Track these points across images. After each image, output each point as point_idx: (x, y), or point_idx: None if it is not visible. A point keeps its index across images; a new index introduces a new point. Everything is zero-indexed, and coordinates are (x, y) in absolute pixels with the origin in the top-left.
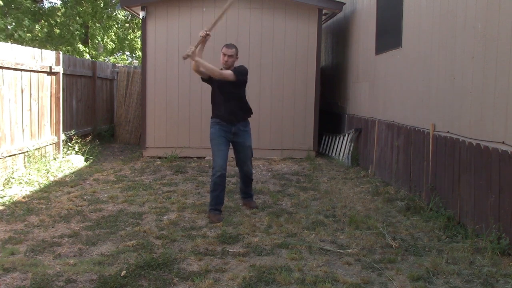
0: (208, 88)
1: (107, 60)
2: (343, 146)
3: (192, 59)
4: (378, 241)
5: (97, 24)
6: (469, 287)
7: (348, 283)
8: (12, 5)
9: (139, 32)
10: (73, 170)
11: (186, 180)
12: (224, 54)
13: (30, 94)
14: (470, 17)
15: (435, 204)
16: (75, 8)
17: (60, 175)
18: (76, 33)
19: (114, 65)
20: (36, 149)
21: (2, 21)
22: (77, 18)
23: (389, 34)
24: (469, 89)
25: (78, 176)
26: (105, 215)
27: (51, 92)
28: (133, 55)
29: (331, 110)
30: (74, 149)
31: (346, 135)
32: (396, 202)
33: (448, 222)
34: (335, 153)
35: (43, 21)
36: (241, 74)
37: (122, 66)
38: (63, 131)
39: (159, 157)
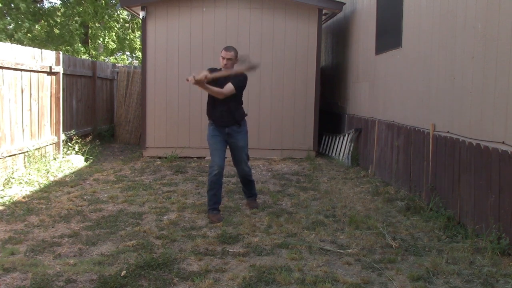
0: None
1: (107, 60)
2: (343, 146)
3: (201, 86)
4: (378, 241)
5: (97, 24)
6: (469, 287)
7: (348, 283)
8: (12, 5)
9: (139, 32)
10: (73, 170)
11: (186, 180)
12: (223, 58)
13: (30, 94)
14: (470, 17)
15: (435, 204)
16: (75, 8)
17: (60, 175)
18: (75, 32)
19: (114, 65)
20: (36, 149)
21: (2, 22)
22: (76, 18)
23: (389, 34)
24: (469, 89)
25: (78, 176)
26: (105, 215)
27: (51, 92)
28: (133, 55)
29: (331, 110)
30: (74, 149)
31: (346, 135)
32: (396, 202)
33: (448, 222)
34: (335, 153)
35: (43, 21)
36: (240, 88)
37: (122, 66)
38: (63, 131)
39: (159, 157)
